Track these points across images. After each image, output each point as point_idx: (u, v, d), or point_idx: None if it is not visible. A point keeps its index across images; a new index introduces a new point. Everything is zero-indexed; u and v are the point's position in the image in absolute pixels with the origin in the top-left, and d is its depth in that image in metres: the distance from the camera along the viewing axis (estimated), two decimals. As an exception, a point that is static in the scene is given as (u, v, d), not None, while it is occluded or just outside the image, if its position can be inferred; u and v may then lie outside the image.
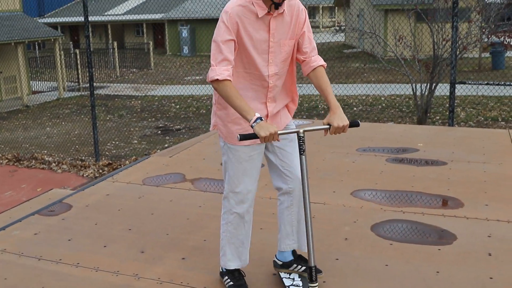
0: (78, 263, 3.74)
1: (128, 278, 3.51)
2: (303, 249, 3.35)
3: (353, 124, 2.94)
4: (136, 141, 12.55)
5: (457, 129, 7.74)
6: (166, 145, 11.47)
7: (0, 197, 8.67)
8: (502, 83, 9.84)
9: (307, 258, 3.37)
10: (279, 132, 2.83)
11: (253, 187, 3.17)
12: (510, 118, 12.45)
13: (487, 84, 8.72)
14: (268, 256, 3.69)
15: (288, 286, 3.29)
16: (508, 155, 6.04)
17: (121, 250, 3.94)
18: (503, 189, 4.99)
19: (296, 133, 2.91)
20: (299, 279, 3.37)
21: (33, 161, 10.56)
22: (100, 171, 9.40)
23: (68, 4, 47.56)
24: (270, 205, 4.63)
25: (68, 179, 9.27)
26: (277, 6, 2.88)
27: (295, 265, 3.37)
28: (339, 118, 2.91)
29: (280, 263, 3.40)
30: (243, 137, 2.74)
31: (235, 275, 3.31)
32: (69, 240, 4.15)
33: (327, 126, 2.91)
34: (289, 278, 3.38)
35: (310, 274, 2.86)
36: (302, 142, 2.86)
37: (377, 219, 4.36)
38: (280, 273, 3.42)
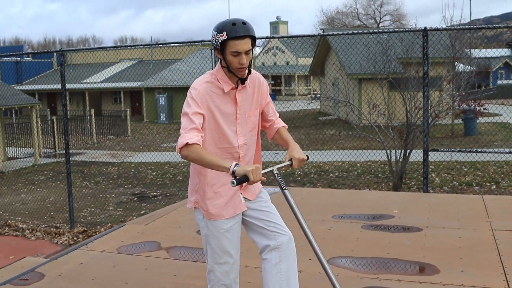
0: (49, 336, 3.64)
1: None
2: None
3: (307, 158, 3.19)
4: (112, 208, 12.43)
5: (431, 195, 7.83)
6: (142, 212, 11.37)
7: (-30, 266, 8.44)
8: (474, 150, 10.05)
9: None
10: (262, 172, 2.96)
11: (237, 256, 3.18)
12: (483, 183, 12.64)
13: (459, 151, 8.89)
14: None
15: None
16: (482, 221, 6.11)
17: (94, 321, 3.85)
18: (478, 254, 5.03)
19: (271, 172, 3.08)
20: None
21: (6, 228, 10.36)
22: (75, 238, 9.25)
23: (46, 72, 47.91)
24: (246, 274, 4.59)
25: (41, 246, 9.09)
26: (243, 81, 3.06)
27: None
28: (298, 152, 3.14)
29: None
30: (239, 181, 2.84)
31: None
32: (41, 311, 4.06)
33: (289, 162, 3.12)
34: None
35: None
36: (280, 178, 3.04)
37: (353, 286, 4.34)
38: None
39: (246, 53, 2.98)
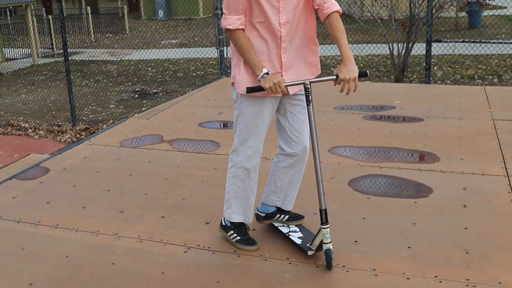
0: (58, 225, 3.74)
1: (108, 238, 3.51)
2: (287, 208, 3.39)
3: (362, 74, 2.92)
4: (113, 106, 12.44)
5: (433, 87, 7.79)
6: (143, 109, 11.38)
7: (-24, 164, 8.57)
8: (478, 40, 9.88)
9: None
10: (285, 84, 2.89)
11: (261, 144, 3.18)
12: (486, 76, 12.54)
13: (462, 41, 8.75)
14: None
15: (287, 233, 3.32)
16: (483, 111, 6.11)
17: (100, 211, 3.94)
18: (478, 143, 5.06)
19: (303, 85, 3.00)
20: (293, 225, 3.41)
21: (9, 127, 10.43)
22: (78, 135, 9.32)
23: (39, -32, 46.35)
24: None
25: (45, 144, 9.18)
26: None
27: (278, 215, 3.40)
28: (348, 70, 2.86)
29: (263, 215, 3.43)
30: (250, 90, 2.86)
31: (241, 229, 3.32)
32: (48, 202, 4.14)
33: (334, 77, 2.89)
34: (283, 226, 3.42)
35: (323, 215, 2.98)
36: (308, 93, 2.95)
37: (354, 174, 4.40)
38: (273, 223, 3.45)
39: None
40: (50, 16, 23.48)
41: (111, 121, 10.31)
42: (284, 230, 3.37)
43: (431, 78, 11.02)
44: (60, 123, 10.74)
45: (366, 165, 4.61)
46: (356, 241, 3.33)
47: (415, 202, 3.84)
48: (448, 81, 12.29)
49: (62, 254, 3.34)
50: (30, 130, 10.13)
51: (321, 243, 3.02)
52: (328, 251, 3.00)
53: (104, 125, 9.69)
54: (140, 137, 5.72)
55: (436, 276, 2.92)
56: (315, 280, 2.93)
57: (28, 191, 4.40)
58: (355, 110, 6.34)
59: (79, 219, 3.80)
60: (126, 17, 28.53)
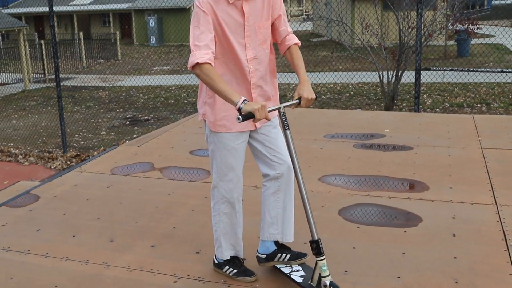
0: (47, 253, 3.72)
1: (97, 267, 3.50)
2: (288, 239, 3.26)
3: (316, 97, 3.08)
4: (104, 132, 12.44)
5: (423, 115, 7.87)
6: (134, 136, 11.40)
7: (-34, 190, 8.51)
8: (466, 69, 10.01)
9: (289, 246, 3.33)
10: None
11: (241, 175, 3.19)
12: (474, 104, 12.68)
13: (451, 70, 8.86)
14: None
15: (289, 273, 3.21)
16: (472, 140, 6.17)
17: (90, 239, 3.93)
18: (466, 172, 5.10)
19: (277, 111, 3.00)
20: (296, 264, 3.28)
21: (-1, 153, 10.40)
22: (68, 162, 9.30)
23: (32, -6, 46.63)
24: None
25: (35, 171, 9.16)
26: None
27: (279, 255, 3.25)
28: (308, 90, 3.00)
29: (263, 256, 3.29)
30: (244, 118, 2.77)
31: (236, 262, 3.31)
32: (37, 230, 4.12)
33: (297, 101, 3.01)
34: (286, 266, 3.28)
35: (318, 247, 2.90)
36: (285, 118, 2.96)
37: (344, 203, 4.43)
38: (275, 265, 3.31)
39: None
40: (42, 41, 23.56)
41: (102, 148, 10.31)
42: (286, 270, 3.24)
43: (421, 106, 11.14)
44: (50, 149, 10.72)
45: (356, 193, 4.63)
46: (346, 271, 3.33)
47: (405, 231, 3.86)
48: (438, 109, 12.40)
49: (52, 283, 3.32)
50: (20, 156, 10.10)
51: (320, 279, 2.93)
52: (333, 284, 2.91)
53: (95, 152, 9.68)
54: (131, 164, 5.73)
55: (425, 307, 2.92)
56: (305, 310, 2.93)
57: (17, 218, 4.38)
58: (345, 138, 6.39)
59: (69, 248, 3.79)
60: (118, 43, 28.68)
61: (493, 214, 4.12)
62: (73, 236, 3.99)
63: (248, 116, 2.79)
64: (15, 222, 4.31)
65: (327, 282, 2.91)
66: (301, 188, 2.94)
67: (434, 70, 8.92)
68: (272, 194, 3.22)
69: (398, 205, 4.35)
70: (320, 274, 2.93)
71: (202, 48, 2.88)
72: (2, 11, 29.50)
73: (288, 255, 3.24)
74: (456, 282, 3.16)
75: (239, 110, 2.79)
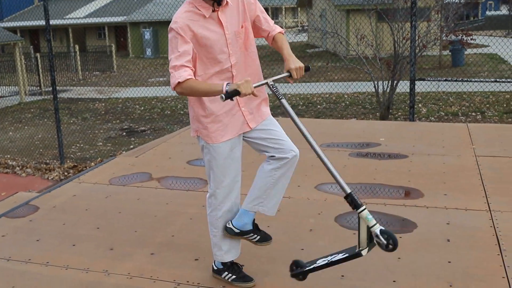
0: (48, 262, 3.76)
1: (98, 275, 3.55)
2: (269, 213, 3.25)
3: (306, 68, 3.12)
4: (101, 143, 12.49)
5: (417, 124, 7.95)
6: (131, 146, 11.44)
7: (-37, 202, 8.53)
8: (460, 79, 10.11)
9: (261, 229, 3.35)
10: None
11: (238, 178, 3.23)
12: (469, 113, 12.78)
13: (445, 80, 8.95)
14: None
15: (329, 261, 3.00)
16: (466, 148, 6.25)
17: (90, 248, 3.97)
18: (461, 179, 5.17)
19: (267, 84, 3.03)
20: (261, 245, 3.31)
21: (-4, 166, 10.43)
22: (65, 173, 9.34)
23: (27, 8, 46.74)
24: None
25: (33, 182, 9.19)
26: (219, 1, 3.00)
27: (251, 234, 3.27)
28: (295, 61, 3.07)
29: (236, 231, 3.26)
30: (227, 96, 2.78)
31: (235, 268, 3.36)
32: (37, 240, 4.17)
33: (287, 74, 3.07)
34: (320, 258, 3.05)
35: (353, 200, 2.77)
36: (275, 89, 2.99)
37: (340, 210, 4.48)
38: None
39: None
40: (38, 54, 23.63)
41: (100, 159, 10.35)
42: (323, 262, 2.98)
43: (416, 115, 11.22)
44: (47, 161, 10.76)
45: (352, 201, 4.68)
46: (342, 276, 3.39)
47: (400, 237, 3.92)
48: (432, 118, 12.50)
49: (52, 291, 3.36)
50: (17, 168, 10.14)
51: (369, 232, 2.72)
52: (383, 232, 2.71)
53: (92, 163, 9.73)
54: (129, 175, 5.78)
55: (421, 310, 2.98)
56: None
57: (17, 229, 4.43)
58: (341, 147, 6.45)
59: (69, 257, 3.84)
60: (114, 55, 28.77)
61: (487, 220, 4.19)
62: (73, 245, 4.04)
63: (233, 93, 2.80)
64: (15, 232, 4.35)
65: (377, 231, 2.72)
66: (316, 150, 3.01)
67: (428, 80, 9.01)
68: (270, 170, 3.18)
69: (393, 212, 4.41)
70: (367, 226, 2.74)
71: (179, 68, 2.94)
72: (-2, 24, 29.56)
73: (258, 237, 3.29)
74: (451, 286, 3.22)
75: (226, 93, 2.81)
